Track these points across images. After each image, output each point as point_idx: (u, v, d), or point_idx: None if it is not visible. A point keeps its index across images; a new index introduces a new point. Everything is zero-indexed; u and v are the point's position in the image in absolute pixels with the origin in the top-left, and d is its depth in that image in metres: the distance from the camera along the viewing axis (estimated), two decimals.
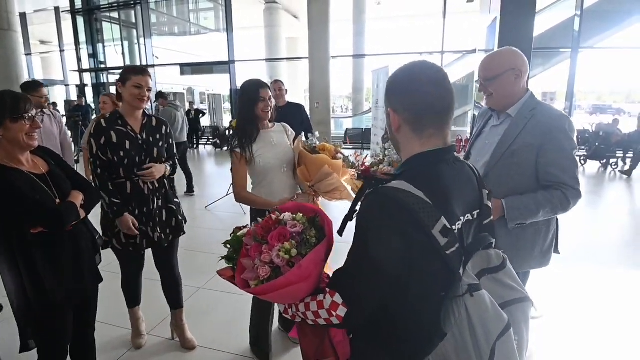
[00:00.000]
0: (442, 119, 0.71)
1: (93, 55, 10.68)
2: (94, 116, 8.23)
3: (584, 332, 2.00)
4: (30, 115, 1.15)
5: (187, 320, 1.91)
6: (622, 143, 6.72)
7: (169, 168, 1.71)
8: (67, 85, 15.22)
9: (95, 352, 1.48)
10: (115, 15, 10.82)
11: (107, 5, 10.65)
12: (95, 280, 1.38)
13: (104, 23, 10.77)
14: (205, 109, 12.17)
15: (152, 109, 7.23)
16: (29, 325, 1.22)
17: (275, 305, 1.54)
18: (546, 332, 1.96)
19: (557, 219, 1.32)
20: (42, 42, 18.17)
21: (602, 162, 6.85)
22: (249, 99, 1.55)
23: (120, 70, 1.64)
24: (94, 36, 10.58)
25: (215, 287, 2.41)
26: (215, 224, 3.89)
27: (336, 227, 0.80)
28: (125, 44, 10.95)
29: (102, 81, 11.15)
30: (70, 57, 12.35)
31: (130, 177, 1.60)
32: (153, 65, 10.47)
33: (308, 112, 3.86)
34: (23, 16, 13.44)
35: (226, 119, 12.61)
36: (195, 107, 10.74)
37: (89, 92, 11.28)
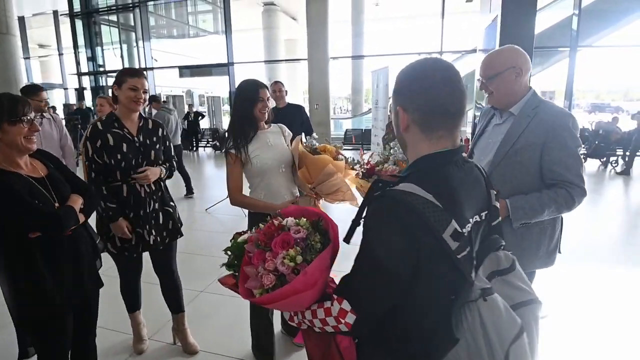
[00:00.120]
0: (454, 120, 0.69)
1: (92, 59, 10.68)
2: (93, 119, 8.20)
3: (585, 331, 1.98)
4: (28, 118, 1.14)
5: (188, 325, 1.90)
6: (621, 141, 6.74)
7: (164, 170, 1.70)
8: (65, 89, 15.20)
9: (96, 358, 1.46)
10: (113, 18, 10.83)
11: (106, 9, 10.66)
12: (95, 285, 1.36)
13: (102, 26, 10.77)
14: (205, 112, 12.16)
15: (144, 112, 7.21)
16: (28, 331, 1.20)
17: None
18: (548, 331, 1.94)
19: (562, 218, 1.31)
20: (41, 46, 18.17)
21: (602, 160, 6.86)
22: (248, 99, 1.52)
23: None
24: (93, 39, 10.57)
25: (216, 290, 2.39)
26: (216, 227, 3.87)
27: (340, 229, 0.79)
28: (124, 47, 10.94)
29: (101, 84, 11.14)
30: (69, 61, 12.35)
31: (127, 180, 1.59)
32: (152, 68, 10.47)
33: (308, 113, 3.86)
34: (21, 20, 13.44)
35: (225, 121, 12.60)
36: (194, 109, 10.73)
37: (87, 95, 11.27)
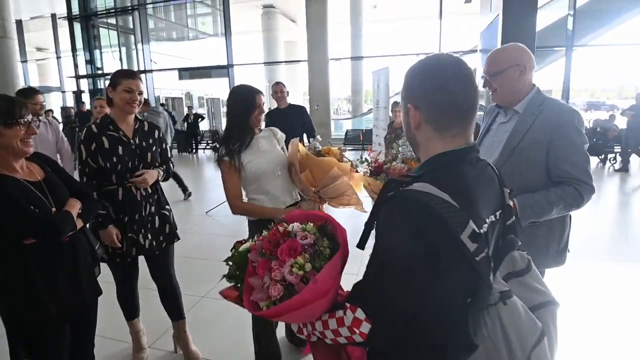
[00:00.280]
0: (467, 117, 0.67)
1: (90, 62, 10.68)
2: None
3: (584, 328, 1.96)
4: (25, 120, 1.10)
5: (190, 332, 1.85)
6: (619, 138, 6.86)
7: (162, 173, 1.68)
8: (63, 92, 15.17)
9: None
10: (112, 21, 10.82)
11: (105, 12, 10.66)
12: (94, 293, 1.31)
13: (101, 29, 10.76)
14: (204, 114, 12.15)
15: None
16: (22, 343, 1.15)
17: None
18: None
19: (570, 217, 1.30)
20: (39, 49, 18.16)
21: (600, 157, 6.94)
22: (245, 106, 1.49)
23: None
24: (91, 42, 10.58)
25: (218, 295, 2.33)
26: (217, 230, 3.83)
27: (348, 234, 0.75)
28: (123, 49, 10.94)
29: (99, 87, 11.11)
30: (67, 64, 12.32)
31: (123, 183, 1.56)
32: (151, 71, 10.45)
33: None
34: (19, 23, 13.43)
35: (225, 123, 12.57)
36: (194, 111, 10.71)
37: (86, 98, 11.24)
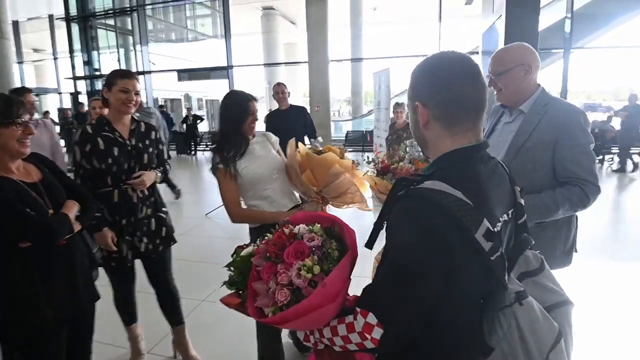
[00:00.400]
0: (477, 113, 0.66)
1: (88, 63, 10.62)
2: None
3: (587, 329, 1.94)
4: (22, 120, 1.07)
5: (190, 336, 1.81)
6: (616, 139, 6.95)
7: (159, 174, 1.65)
8: (60, 93, 15.11)
9: None
10: (110, 22, 10.78)
11: (103, 13, 10.62)
12: (91, 298, 1.28)
13: (99, 30, 10.72)
14: (203, 115, 12.11)
15: None
16: (16, 349, 1.11)
17: None
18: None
19: (576, 217, 1.30)
20: (35, 50, 18.08)
21: (598, 158, 6.98)
22: (238, 113, 1.45)
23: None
24: (89, 43, 10.52)
25: (219, 299, 2.30)
26: (217, 232, 3.79)
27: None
28: (121, 51, 10.90)
29: (97, 88, 11.06)
30: (64, 65, 12.25)
31: (118, 185, 1.53)
32: (149, 72, 10.41)
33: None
34: (16, 24, 13.37)
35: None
36: (192, 112, 10.68)
37: (83, 99, 11.18)
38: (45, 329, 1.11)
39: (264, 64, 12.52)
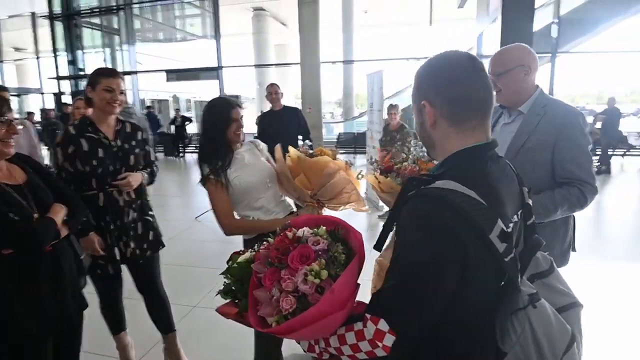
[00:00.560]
0: (485, 110, 0.66)
1: (72, 62, 10.30)
2: None
3: (588, 328, 1.97)
4: (5, 118, 1.01)
5: (181, 344, 1.75)
6: (599, 141, 7.18)
7: (146, 176, 1.60)
8: (42, 94, 14.61)
9: None
10: (96, 21, 10.50)
11: (88, 11, 10.34)
12: (79, 307, 1.22)
13: (84, 29, 10.42)
14: (192, 116, 11.92)
15: None
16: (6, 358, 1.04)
17: None
18: None
19: (573, 217, 1.31)
20: (17, 49, 17.45)
21: None
22: (220, 121, 1.38)
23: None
24: (74, 42, 10.20)
25: (211, 304, 2.23)
26: (207, 236, 3.71)
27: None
28: (107, 50, 10.63)
29: (81, 89, 10.74)
30: (47, 65, 11.85)
31: (104, 188, 1.47)
32: (136, 72, 10.18)
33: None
34: None
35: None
36: (181, 114, 10.50)
37: (67, 100, 10.83)
38: (30, 340, 1.04)
39: (255, 65, 12.44)
